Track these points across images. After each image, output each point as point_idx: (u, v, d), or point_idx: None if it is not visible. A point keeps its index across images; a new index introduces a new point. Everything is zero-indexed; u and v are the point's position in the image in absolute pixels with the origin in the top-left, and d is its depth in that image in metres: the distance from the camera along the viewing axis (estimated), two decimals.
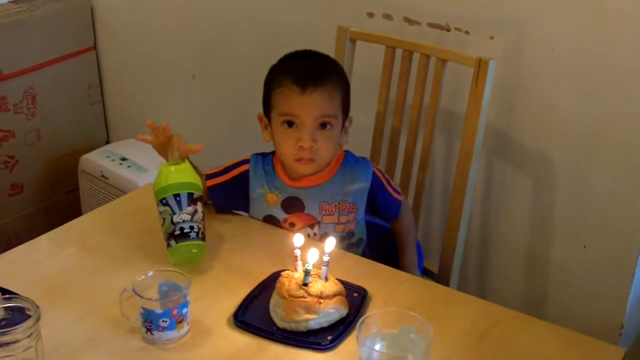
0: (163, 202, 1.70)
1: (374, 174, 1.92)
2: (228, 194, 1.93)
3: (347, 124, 1.90)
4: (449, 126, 2.36)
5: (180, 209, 1.69)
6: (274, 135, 1.86)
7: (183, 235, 1.68)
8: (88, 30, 3.23)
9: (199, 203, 1.72)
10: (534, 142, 2.25)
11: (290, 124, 1.81)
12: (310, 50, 1.90)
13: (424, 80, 2.13)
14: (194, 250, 1.69)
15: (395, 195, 1.98)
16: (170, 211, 1.68)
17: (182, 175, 1.72)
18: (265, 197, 1.90)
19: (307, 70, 1.82)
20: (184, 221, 1.68)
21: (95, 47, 3.27)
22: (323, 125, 1.81)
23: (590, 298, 2.28)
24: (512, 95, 2.23)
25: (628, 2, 1.97)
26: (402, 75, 2.17)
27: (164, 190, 1.70)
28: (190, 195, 1.71)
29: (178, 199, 1.69)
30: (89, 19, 3.21)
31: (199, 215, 1.72)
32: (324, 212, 1.88)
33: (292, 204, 1.89)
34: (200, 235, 1.70)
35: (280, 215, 1.90)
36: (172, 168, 1.72)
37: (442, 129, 2.35)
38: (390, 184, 1.98)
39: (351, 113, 1.91)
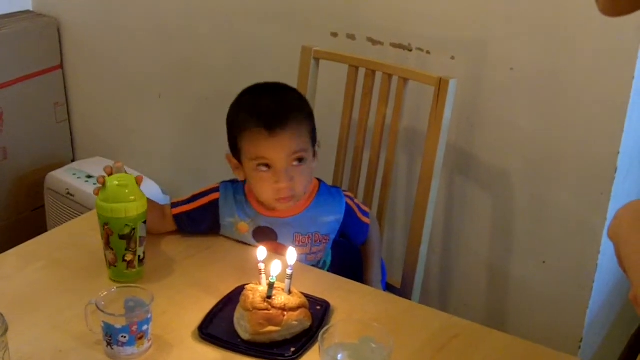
0: (126, 232, 1.68)
1: (346, 205, 1.92)
2: (196, 222, 1.90)
3: (316, 148, 1.85)
4: (411, 143, 2.39)
5: (142, 235, 1.71)
6: (250, 178, 1.82)
7: (141, 261, 1.73)
8: (55, 49, 3.23)
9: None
10: (494, 160, 2.28)
11: (265, 165, 1.76)
12: (268, 84, 1.85)
13: (387, 98, 2.15)
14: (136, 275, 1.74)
15: (364, 219, 1.98)
16: (136, 240, 1.69)
17: (143, 203, 1.70)
18: (236, 226, 1.88)
19: (270, 110, 1.76)
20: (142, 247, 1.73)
21: (62, 66, 3.27)
22: (298, 160, 1.77)
23: (550, 312, 2.32)
24: (472, 113, 2.27)
25: (584, 23, 2.02)
26: (365, 93, 2.20)
27: (131, 220, 1.68)
28: (144, 223, 1.72)
29: (143, 225, 1.71)
30: (56, 38, 3.22)
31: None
32: (297, 242, 1.86)
33: (264, 234, 1.87)
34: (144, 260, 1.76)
35: (252, 243, 1.87)
36: (127, 191, 1.68)
37: (404, 146, 2.39)
38: (360, 209, 1.97)
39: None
